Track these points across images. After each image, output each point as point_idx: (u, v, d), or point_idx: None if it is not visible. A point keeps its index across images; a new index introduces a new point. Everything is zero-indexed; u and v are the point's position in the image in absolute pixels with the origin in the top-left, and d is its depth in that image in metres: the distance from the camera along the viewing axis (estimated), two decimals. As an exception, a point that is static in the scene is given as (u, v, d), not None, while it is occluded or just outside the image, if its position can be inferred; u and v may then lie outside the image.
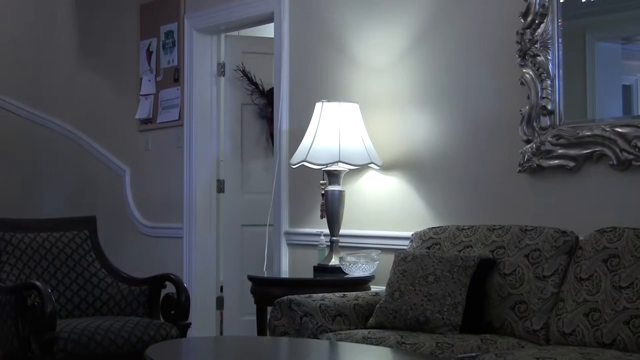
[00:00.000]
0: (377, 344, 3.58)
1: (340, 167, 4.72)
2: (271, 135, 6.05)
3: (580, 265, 3.64)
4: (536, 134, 4.12)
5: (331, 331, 3.89)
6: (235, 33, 6.42)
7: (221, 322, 6.28)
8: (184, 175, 6.25)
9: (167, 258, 6.33)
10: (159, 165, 6.53)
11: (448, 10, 4.59)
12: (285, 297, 4.05)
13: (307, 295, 4.06)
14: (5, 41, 7.60)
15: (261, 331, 4.66)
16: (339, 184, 4.78)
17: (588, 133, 3.94)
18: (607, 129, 3.87)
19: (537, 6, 4.11)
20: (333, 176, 4.78)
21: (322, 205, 4.89)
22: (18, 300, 4.23)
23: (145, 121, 6.60)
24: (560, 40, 4.09)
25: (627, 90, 4.11)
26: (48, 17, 7.60)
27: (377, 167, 4.76)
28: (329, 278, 4.59)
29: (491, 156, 4.37)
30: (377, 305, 4.00)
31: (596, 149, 3.92)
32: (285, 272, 5.28)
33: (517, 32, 4.17)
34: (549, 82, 4.08)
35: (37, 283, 4.23)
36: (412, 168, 4.72)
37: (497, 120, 4.34)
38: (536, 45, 4.11)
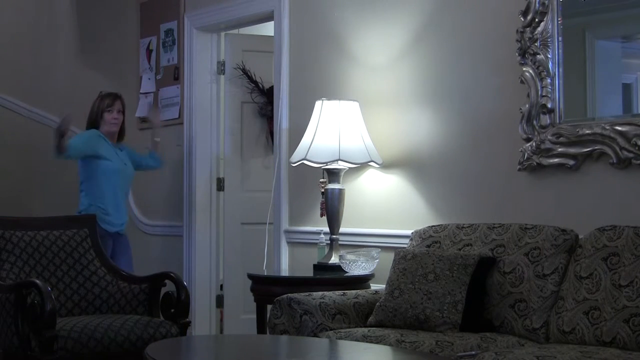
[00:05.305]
0: (376, 343, 3.58)
1: (340, 165, 4.72)
2: (271, 134, 6.05)
3: (580, 264, 3.64)
4: (536, 133, 4.12)
5: (331, 329, 3.89)
6: (235, 31, 6.41)
7: (221, 320, 6.28)
8: (184, 173, 6.25)
9: (167, 256, 6.33)
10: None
11: (448, 9, 4.59)
12: (285, 296, 4.05)
13: (307, 294, 4.06)
14: (5, 39, 7.60)
15: (261, 329, 4.66)
16: (338, 183, 4.78)
17: (588, 131, 3.94)
18: (607, 128, 3.87)
19: (537, 4, 4.10)
20: (333, 174, 4.78)
21: (322, 204, 4.88)
22: (18, 298, 4.22)
23: (145, 119, 6.60)
24: (560, 38, 4.08)
25: (627, 88, 4.11)
26: (48, 15, 7.60)
27: (377, 166, 4.76)
28: (328, 276, 4.59)
29: (491, 154, 4.37)
30: (377, 304, 4.00)
31: (596, 148, 3.92)
32: (285, 270, 5.28)
33: (517, 31, 4.17)
34: (548, 80, 4.08)
35: (37, 281, 4.23)
36: (412, 166, 4.71)
37: (497, 118, 4.34)
38: (536, 44, 4.11)
